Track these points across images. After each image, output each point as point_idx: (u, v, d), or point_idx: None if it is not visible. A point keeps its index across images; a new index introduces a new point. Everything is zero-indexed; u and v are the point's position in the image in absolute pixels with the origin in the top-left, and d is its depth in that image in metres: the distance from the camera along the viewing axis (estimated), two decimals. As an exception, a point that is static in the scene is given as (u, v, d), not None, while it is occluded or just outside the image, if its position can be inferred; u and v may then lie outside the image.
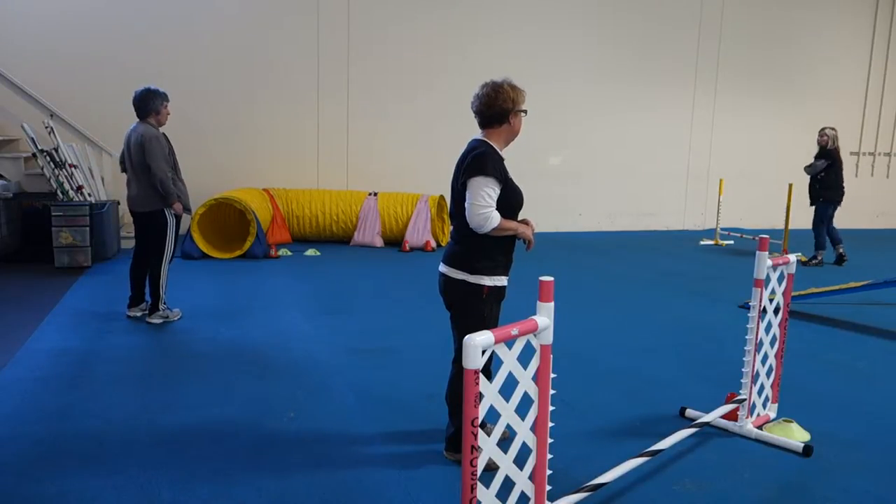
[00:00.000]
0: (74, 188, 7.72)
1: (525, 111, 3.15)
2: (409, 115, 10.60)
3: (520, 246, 3.21)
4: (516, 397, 2.31)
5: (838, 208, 8.92)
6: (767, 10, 12.33)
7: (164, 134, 5.36)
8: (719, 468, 3.29)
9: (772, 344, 3.76)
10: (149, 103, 5.27)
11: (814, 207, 8.93)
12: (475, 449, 2.04)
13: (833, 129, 8.91)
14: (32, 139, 7.64)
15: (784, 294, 3.72)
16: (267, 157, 10.04)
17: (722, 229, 10.82)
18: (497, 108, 3.07)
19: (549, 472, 2.46)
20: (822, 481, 3.18)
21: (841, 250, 8.95)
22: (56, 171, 7.62)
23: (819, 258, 8.90)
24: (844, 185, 8.88)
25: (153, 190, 5.23)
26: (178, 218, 5.43)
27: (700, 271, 8.49)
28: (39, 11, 8.86)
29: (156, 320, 5.43)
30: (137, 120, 5.33)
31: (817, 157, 8.79)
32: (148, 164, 5.18)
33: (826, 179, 8.70)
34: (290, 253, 8.70)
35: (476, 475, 2.05)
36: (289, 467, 3.19)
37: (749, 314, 3.58)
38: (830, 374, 4.73)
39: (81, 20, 9.03)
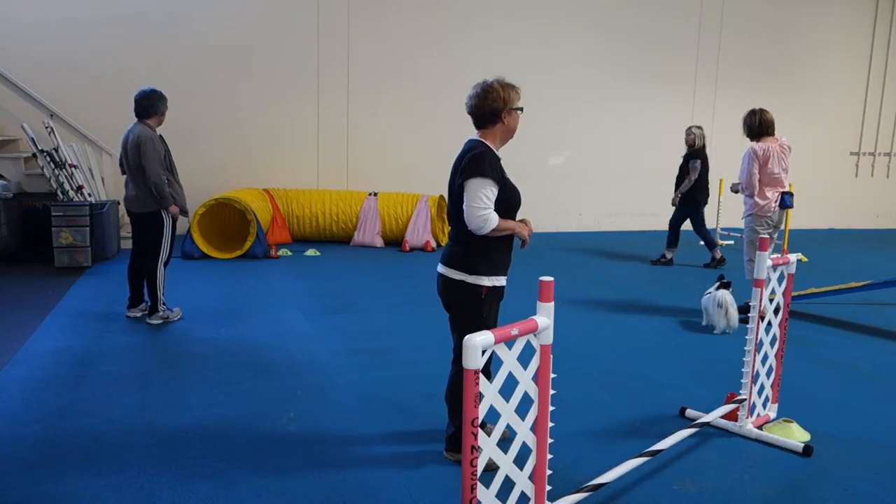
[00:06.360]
0: (74, 188, 7.72)
1: (520, 109, 3.13)
2: (409, 115, 10.59)
3: (516, 245, 3.21)
4: (516, 397, 2.31)
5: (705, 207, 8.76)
6: (768, 5, 12.31)
7: (160, 136, 5.35)
8: (719, 468, 3.29)
9: (772, 344, 3.76)
10: (153, 104, 5.26)
11: (677, 209, 8.67)
12: (475, 449, 2.03)
13: (700, 127, 8.64)
14: (32, 139, 7.64)
15: (784, 294, 3.72)
16: (267, 157, 10.04)
17: (722, 229, 10.81)
18: (488, 108, 3.05)
19: (549, 472, 2.45)
20: (822, 481, 3.18)
21: (719, 254, 8.79)
22: (56, 171, 7.62)
23: (669, 256, 8.80)
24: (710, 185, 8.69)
25: (149, 191, 5.22)
26: (174, 219, 5.43)
27: (700, 271, 8.49)
28: (40, 13, 8.86)
29: (155, 321, 5.42)
30: (136, 120, 5.32)
31: (688, 159, 8.48)
32: (143, 165, 5.17)
33: (697, 180, 8.43)
34: (290, 253, 8.70)
35: (476, 475, 2.05)
36: (289, 467, 3.19)
37: (749, 314, 3.58)
38: (830, 374, 4.73)
39: (81, 21, 9.02)
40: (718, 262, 8.79)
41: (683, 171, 8.58)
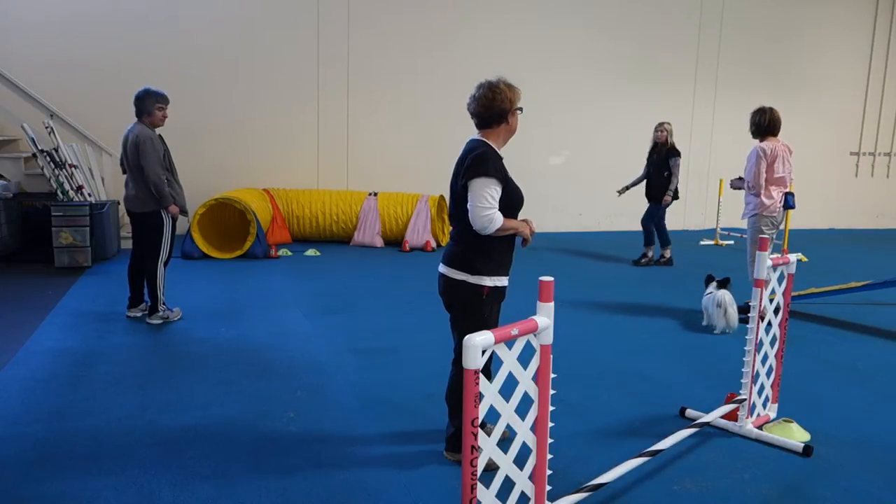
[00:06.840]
0: (74, 188, 7.72)
1: (521, 109, 3.15)
2: (409, 115, 10.60)
3: (516, 244, 3.21)
4: (516, 397, 2.31)
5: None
6: (768, 5, 12.29)
7: (160, 136, 5.34)
8: (719, 468, 3.29)
9: (772, 344, 3.76)
10: (142, 104, 5.25)
11: (649, 207, 8.58)
12: (475, 449, 2.03)
13: (670, 123, 8.47)
14: (32, 139, 7.64)
15: (784, 294, 3.72)
16: (267, 157, 10.04)
17: (722, 229, 10.82)
18: (496, 108, 3.06)
19: (549, 472, 2.45)
20: (822, 481, 3.18)
21: (651, 254, 8.65)
22: (56, 171, 7.62)
23: (667, 255, 8.65)
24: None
25: (149, 191, 5.22)
26: (174, 219, 5.43)
27: (700, 271, 8.47)
28: (40, 13, 8.86)
29: (155, 321, 5.42)
30: (136, 120, 5.33)
31: (663, 156, 8.35)
32: (142, 165, 5.17)
33: (670, 177, 8.32)
34: (290, 253, 8.70)
35: (476, 475, 2.05)
36: (289, 467, 3.19)
37: (749, 314, 3.58)
38: (830, 374, 4.73)
39: (81, 22, 9.03)
40: (644, 260, 8.65)
41: (660, 168, 8.41)
